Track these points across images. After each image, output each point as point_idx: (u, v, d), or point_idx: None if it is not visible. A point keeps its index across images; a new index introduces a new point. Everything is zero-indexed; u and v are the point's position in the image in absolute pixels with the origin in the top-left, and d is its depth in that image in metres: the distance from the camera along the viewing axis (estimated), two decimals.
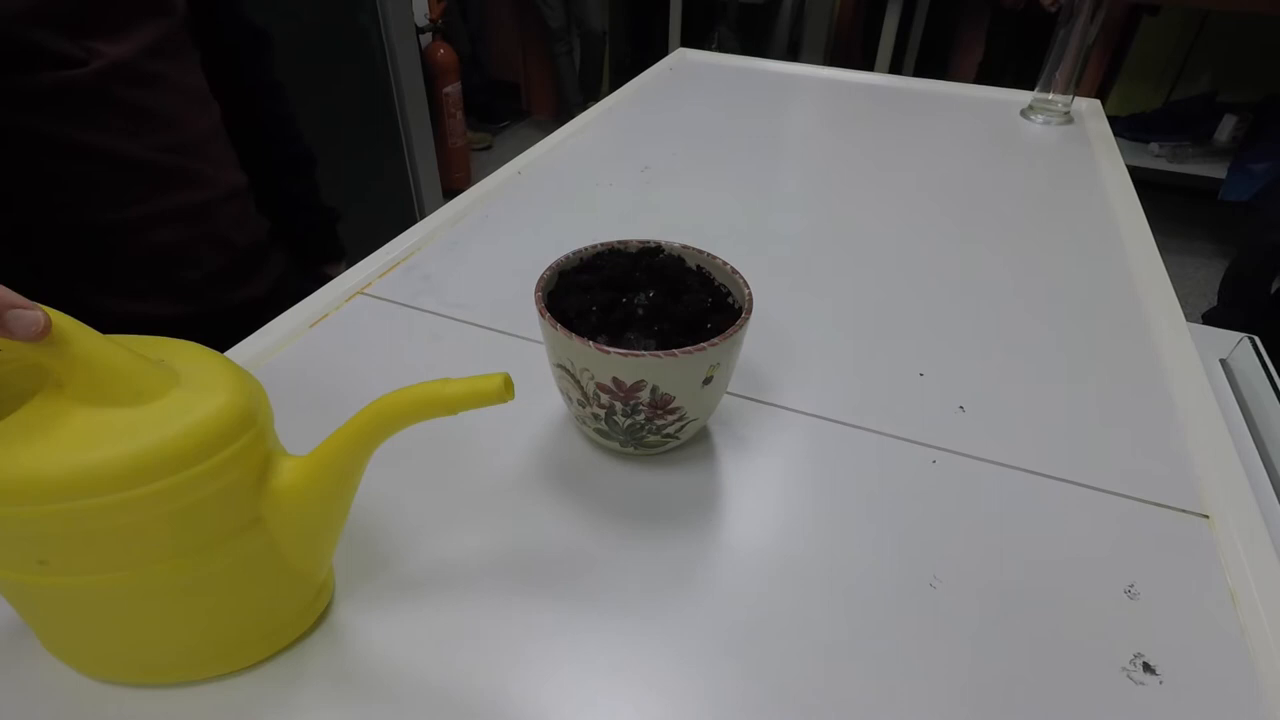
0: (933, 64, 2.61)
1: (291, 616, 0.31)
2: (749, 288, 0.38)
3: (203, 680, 0.30)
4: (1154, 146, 2.37)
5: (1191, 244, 2.30)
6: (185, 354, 0.27)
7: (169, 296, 0.62)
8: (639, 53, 3.05)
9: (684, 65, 1.07)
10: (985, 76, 2.56)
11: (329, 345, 0.49)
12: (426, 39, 2.30)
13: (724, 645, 0.32)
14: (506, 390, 0.26)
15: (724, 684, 0.30)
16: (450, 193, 2.44)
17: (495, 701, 0.29)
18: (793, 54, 2.73)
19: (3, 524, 0.23)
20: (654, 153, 0.79)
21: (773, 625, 0.33)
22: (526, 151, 0.78)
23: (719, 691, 0.30)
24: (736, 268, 0.40)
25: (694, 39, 2.77)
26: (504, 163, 0.75)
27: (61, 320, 0.23)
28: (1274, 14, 2.01)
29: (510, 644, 0.31)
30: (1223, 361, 0.58)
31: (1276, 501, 0.45)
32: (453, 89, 2.37)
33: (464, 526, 0.37)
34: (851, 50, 2.73)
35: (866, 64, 2.47)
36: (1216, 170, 2.25)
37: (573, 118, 0.87)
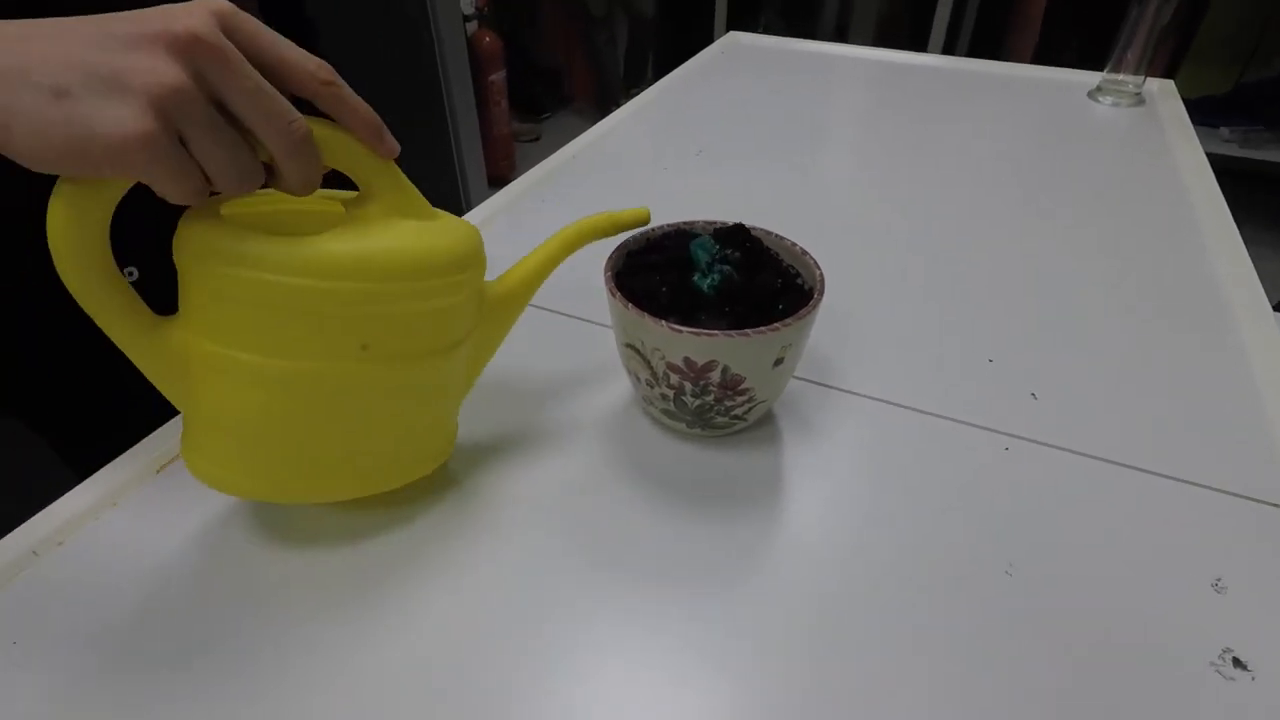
0: (988, 44, 2.53)
1: (448, 439, 0.37)
2: (820, 268, 0.38)
3: (396, 488, 0.35)
4: (1224, 131, 2.26)
5: (1262, 234, 2.19)
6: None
7: None
8: (682, 39, 3.02)
9: (735, 48, 1.06)
10: (1043, 57, 2.46)
11: None
12: (472, 26, 2.32)
13: (788, 627, 0.32)
14: (647, 216, 0.39)
15: (788, 664, 0.30)
16: (495, 180, 2.46)
17: (554, 676, 0.30)
18: (840, 36, 2.67)
19: (362, 301, 0.28)
20: (708, 135, 0.78)
21: (840, 609, 0.32)
22: (580, 136, 0.78)
23: (783, 671, 0.30)
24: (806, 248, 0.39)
25: (738, 22, 2.73)
26: (549, 152, 0.75)
27: (362, 145, 0.28)
28: None
29: (574, 618, 0.32)
30: None
31: None
32: (498, 77, 2.39)
33: (530, 503, 0.37)
34: (903, 36, 2.66)
35: (917, 45, 2.41)
36: None
37: (616, 104, 0.87)
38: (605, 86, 2.92)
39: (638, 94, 0.89)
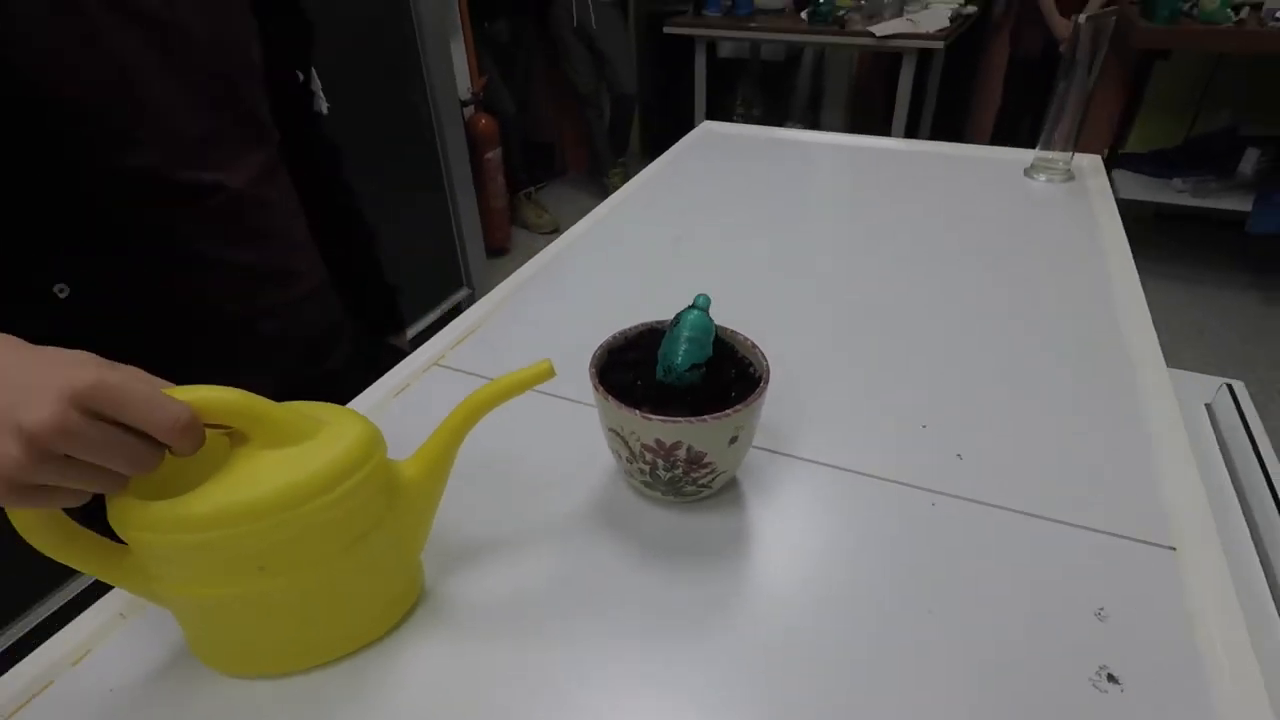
0: (952, 118, 2.68)
1: (401, 594, 0.41)
2: (766, 359, 0.46)
3: (353, 653, 0.40)
4: (1177, 182, 2.39)
5: (1221, 274, 2.30)
6: (319, 407, 0.38)
7: (267, 376, 0.72)
8: (666, 111, 3.20)
9: (710, 137, 1.17)
10: (1004, 127, 2.62)
11: (412, 413, 0.58)
12: (469, 111, 2.47)
13: (754, 660, 0.39)
14: (551, 371, 0.40)
15: (751, 696, 0.37)
16: (492, 250, 2.56)
17: (544, 714, 0.37)
18: (814, 108, 2.84)
19: (238, 541, 0.33)
20: (685, 223, 0.88)
21: (794, 645, 0.39)
22: (572, 228, 0.88)
23: (747, 703, 0.37)
24: (756, 341, 0.47)
25: (718, 96, 2.89)
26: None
27: (238, 395, 0.33)
28: None
29: (564, 664, 0.39)
30: (1207, 406, 0.63)
31: (1248, 534, 0.50)
32: (493, 155, 2.53)
33: (526, 559, 0.45)
34: (872, 103, 2.83)
35: (887, 114, 2.56)
36: (1242, 204, 2.27)
37: (604, 174, 0.96)
38: (595, 157, 3.07)
39: (624, 164, 0.99)
